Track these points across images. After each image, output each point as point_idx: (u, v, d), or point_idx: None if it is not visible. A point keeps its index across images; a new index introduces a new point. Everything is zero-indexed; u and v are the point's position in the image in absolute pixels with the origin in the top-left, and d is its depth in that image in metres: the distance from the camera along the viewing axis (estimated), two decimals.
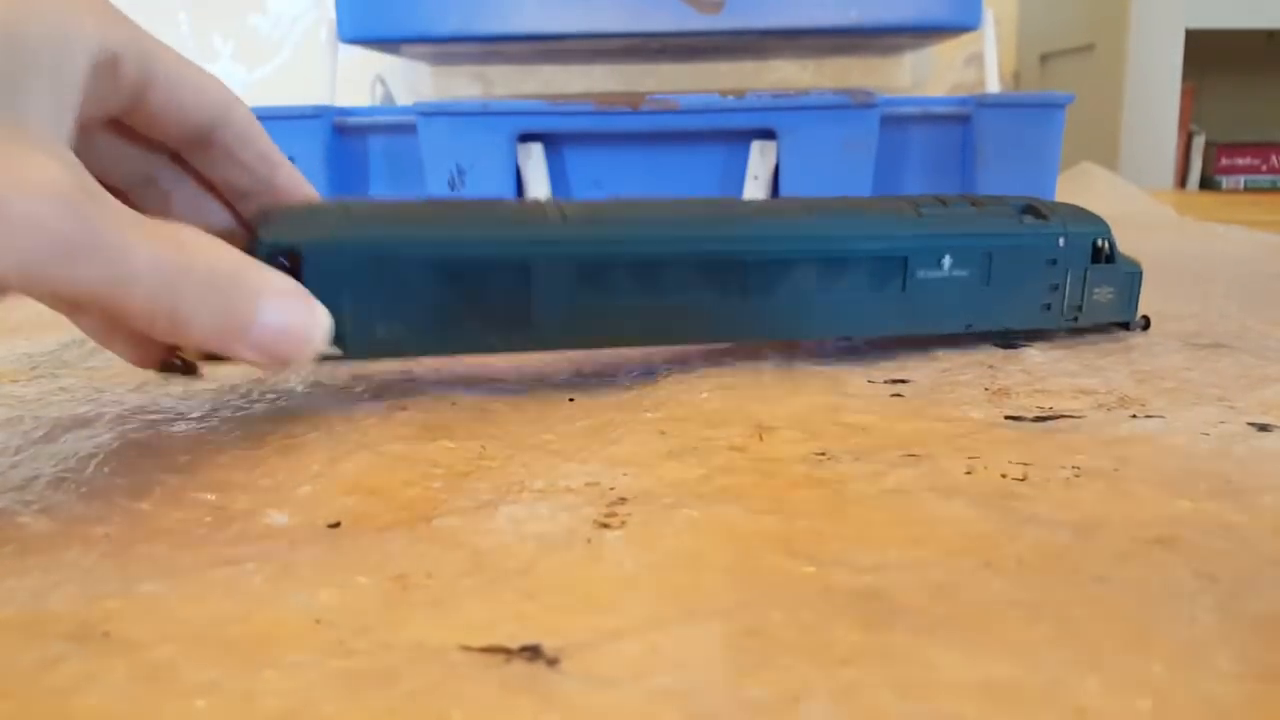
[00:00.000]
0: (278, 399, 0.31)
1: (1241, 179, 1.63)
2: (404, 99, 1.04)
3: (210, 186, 0.28)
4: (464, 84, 0.90)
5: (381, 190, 0.74)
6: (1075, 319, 0.37)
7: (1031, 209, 0.36)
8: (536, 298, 0.29)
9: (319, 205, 0.28)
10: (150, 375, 0.34)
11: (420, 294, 0.28)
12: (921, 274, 0.34)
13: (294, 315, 0.24)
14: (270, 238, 0.26)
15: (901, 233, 0.34)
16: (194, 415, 0.29)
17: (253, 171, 0.28)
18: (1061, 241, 0.36)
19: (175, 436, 0.27)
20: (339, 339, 0.27)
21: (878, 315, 0.34)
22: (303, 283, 0.25)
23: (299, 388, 0.33)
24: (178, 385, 0.33)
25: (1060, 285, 0.36)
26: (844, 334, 0.35)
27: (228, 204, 0.29)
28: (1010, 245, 0.35)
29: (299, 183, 0.29)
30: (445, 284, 0.28)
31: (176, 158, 0.27)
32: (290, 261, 0.26)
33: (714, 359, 0.36)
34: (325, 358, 0.26)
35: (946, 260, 0.34)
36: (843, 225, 0.33)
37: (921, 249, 0.34)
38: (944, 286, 0.34)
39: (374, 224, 0.28)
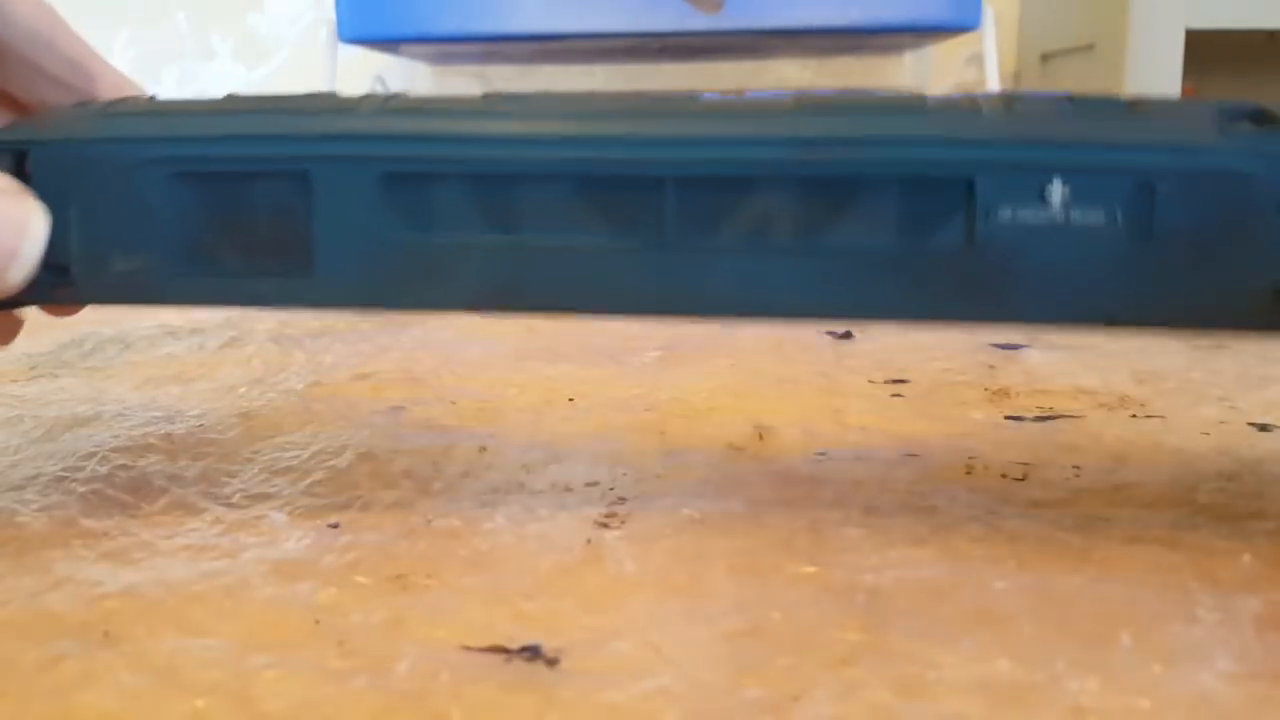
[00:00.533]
0: (276, 398, 0.31)
1: None
2: None
3: (21, 107, 0.23)
4: (464, 84, 0.90)
5: None
6: None
7: (1256, 112, 0.19)
8: (319, 226, 0.20)
9: (97, 103, 0.23)
10: (150, 374, 0.34)
11: (165, 214, 0.21)
12: (1005, 214, 0.19)
13: None
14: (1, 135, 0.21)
15: (963, 135, 0.19)
16: (193, 414, 0.29)
17: (62, 82, 0.23)
18: None
19: (174, 436, 0.27)
20: (65, 271, 0.21)
21: (915, 288, 0.20)
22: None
23: (299, 386, 0.33)
24: (176, 385, 0.33)
25: None
26: (851, 315, 0.21)
27: None
28: (1195, 172, 0.19)
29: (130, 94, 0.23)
30: (197, 201, 0.21)
31: None
32: (16, 164, 0.20)
33: (712, 354, 0.36)
34: (48, 295, 0.21)
35: (1057, 190, 0.19)
36: (847, 122, 0.20)
37: (1003, 167, 0.19)
38: (1053, 241, 0.19)
39: (127, 119, 0.21)
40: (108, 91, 0.23)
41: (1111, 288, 0.19)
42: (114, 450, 0.26)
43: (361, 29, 0.81)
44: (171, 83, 1.33)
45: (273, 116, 0.21)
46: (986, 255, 0.19)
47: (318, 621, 0.17)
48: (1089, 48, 1.44)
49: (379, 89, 1.02)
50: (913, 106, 0.20)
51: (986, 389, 0.32)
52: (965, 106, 0.20)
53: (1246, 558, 0.19)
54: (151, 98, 0.23)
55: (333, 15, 0.82)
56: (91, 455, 0.25)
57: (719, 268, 0.20)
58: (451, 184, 0.20)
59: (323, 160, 0.20)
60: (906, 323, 0.20)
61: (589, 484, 0.24)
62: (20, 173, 0.20)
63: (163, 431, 0.28)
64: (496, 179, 0.20)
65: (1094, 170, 0.19)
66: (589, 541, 0.20)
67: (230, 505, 0.22)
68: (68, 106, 0.22)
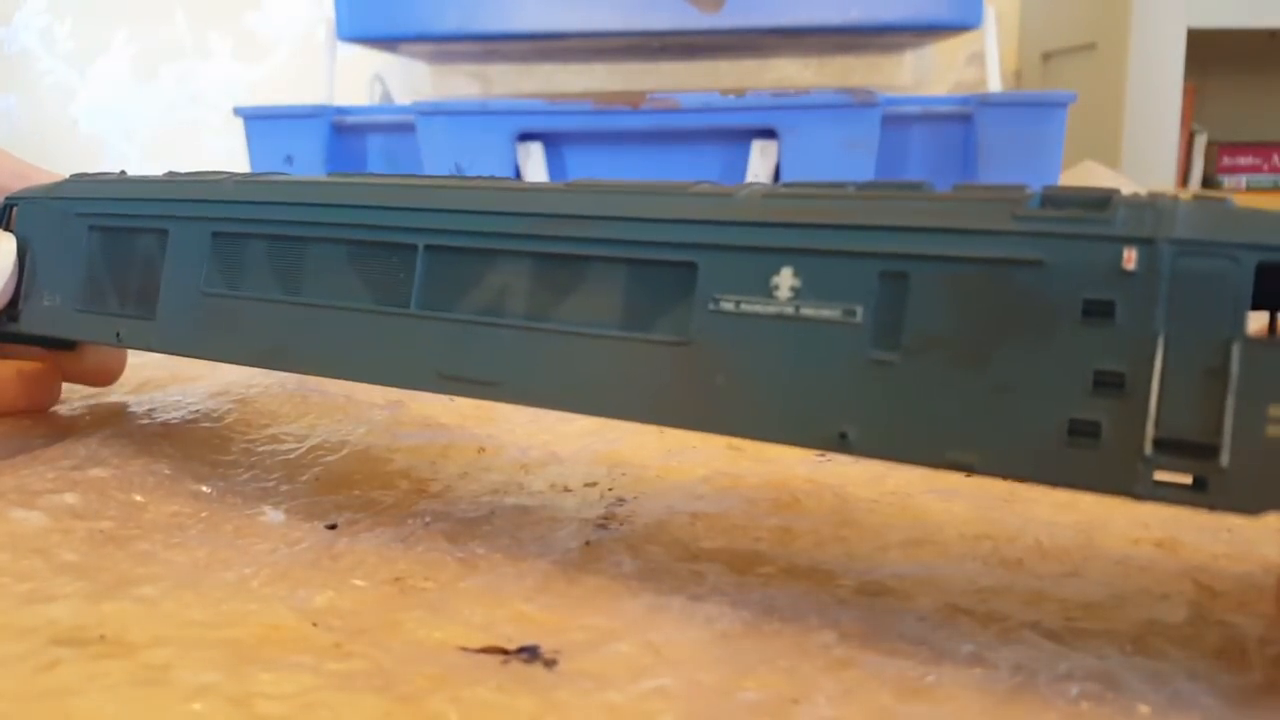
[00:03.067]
0: (276, 394, 0.31)
1: (1243, 178, 1.63)
2: (402, 98, 1.04)
3: None
4: (463, 83, 0.90)
5: None
6: (1192, 480, 0.14)
7: (1070, 195, 0.15)
8: (167, 276, 0.23)
9: (69, 177, 0.27)
10: (150, 375, 0.34)
11: (79, 258, 0.25)
12: (725, 303, 0.17)
13: None
14: (10, 192, 0.27)
15: (688, 215, 0.17)
16: (192, 411, 0.29)
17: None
18: (1133, 259, 0.14)
19: (174, 435, 0.27)
20: (14, 304, 0.26)
21: (634, 384, 0.17)
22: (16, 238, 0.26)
23: (297, 380, 0.33)
24: (176, 386, 0.33)
25: (1131, 378, 0.14)
26: (573, 408, 0.18)
27: None
28: (963, 260, 0.15)
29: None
30: (100, 248, 0.24)
31: None
32: (5, 216, 0.26)
33: None
34: (4, 325, 0.26)
35: (785, 280, 0.16)
36: (580, 200, 0.18)
37: (728, 249, 0.17)
38: (777, 338, 0.16)
39: (72, 185, 0.26)
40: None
41: (849, 403, 0.15)
42: (112, 448, 0.26)
43: (360, 28, 0.81)
44: (170, 81, 1.33)
45: (159, 185, 0.24)
46: (704, 351, 0.17)
47: (315, 624, 0.17)
48: (1090, 47, 1.44)
49: (377, 88, 1.02)
50: (677, 189, 0.18)
51: None
52: (706, 193, 0.18)
53: (1245, 560, 0.19)
54: (121, 173, 0.26)
55: (332, 14, 0.82)
56: (90, 453, 0.25)
57: (454, 336, 0.19)
58: (258, 242, 0.22)
59: (178, 220, 0.23)
60: (629, 421, 0.18)
61: (588, 484, 0.24)
62: (8, 224, 0.26)
63: (162, 430, 0.28)
64: (288, 239, 0.21)
65: (829, 254, 0.16)
66: (588, 543, 0.20)
67: (229, 505, 0.22)
68: (57, 179, 0.27)
